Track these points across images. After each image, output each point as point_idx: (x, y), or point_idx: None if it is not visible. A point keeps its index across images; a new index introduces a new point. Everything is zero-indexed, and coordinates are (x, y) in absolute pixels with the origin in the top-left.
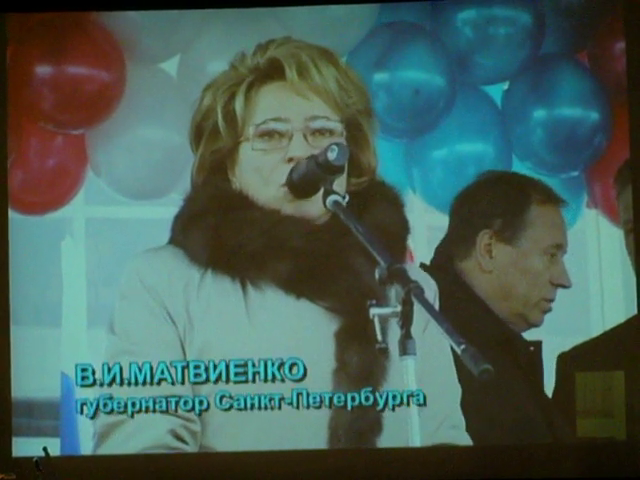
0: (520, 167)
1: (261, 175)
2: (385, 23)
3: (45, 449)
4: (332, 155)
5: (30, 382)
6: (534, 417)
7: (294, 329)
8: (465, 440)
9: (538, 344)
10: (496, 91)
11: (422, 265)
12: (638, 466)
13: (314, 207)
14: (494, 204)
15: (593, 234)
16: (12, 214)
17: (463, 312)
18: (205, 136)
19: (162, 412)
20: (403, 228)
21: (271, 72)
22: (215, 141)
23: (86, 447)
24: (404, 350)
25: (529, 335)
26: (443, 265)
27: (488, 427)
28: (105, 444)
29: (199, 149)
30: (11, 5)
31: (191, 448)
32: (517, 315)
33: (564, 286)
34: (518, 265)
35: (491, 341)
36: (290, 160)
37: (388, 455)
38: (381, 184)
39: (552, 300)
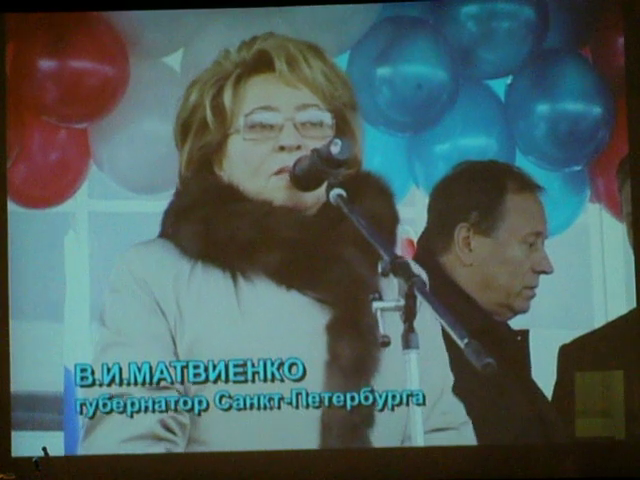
0: (523, 161)
1: (251, 165)
2: (388, 17)
3: (44, 449)
4: (336, 149)
5: (33, 377)
6: (524, 408)
7: (285, 321)
8: (459, 421)
9: (525, 333)
10: (499, 85)
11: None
12: (637, 466)
13: (306, 196)
14: (469, 196)
15: (596, 229)
16: (15, 208)
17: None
18: (192, 132)
19: (161, 412)
20: (392, 219)
21: (259, 64)
22: (203, 136)
23: None
24: (407, 344)
25: (532, 329)
26: (424, 259)
27: (481, 421)
28: (94, 434)
29: (186, 145)
30: (11, 5)
31: (180, 440)
32: (501, 305)
33: (546, 272)
34: (498, 256)
35: (477, 333)
36: (282, 148)
37: (388, 454)
38: (367, 175)
39: (535, 287)
